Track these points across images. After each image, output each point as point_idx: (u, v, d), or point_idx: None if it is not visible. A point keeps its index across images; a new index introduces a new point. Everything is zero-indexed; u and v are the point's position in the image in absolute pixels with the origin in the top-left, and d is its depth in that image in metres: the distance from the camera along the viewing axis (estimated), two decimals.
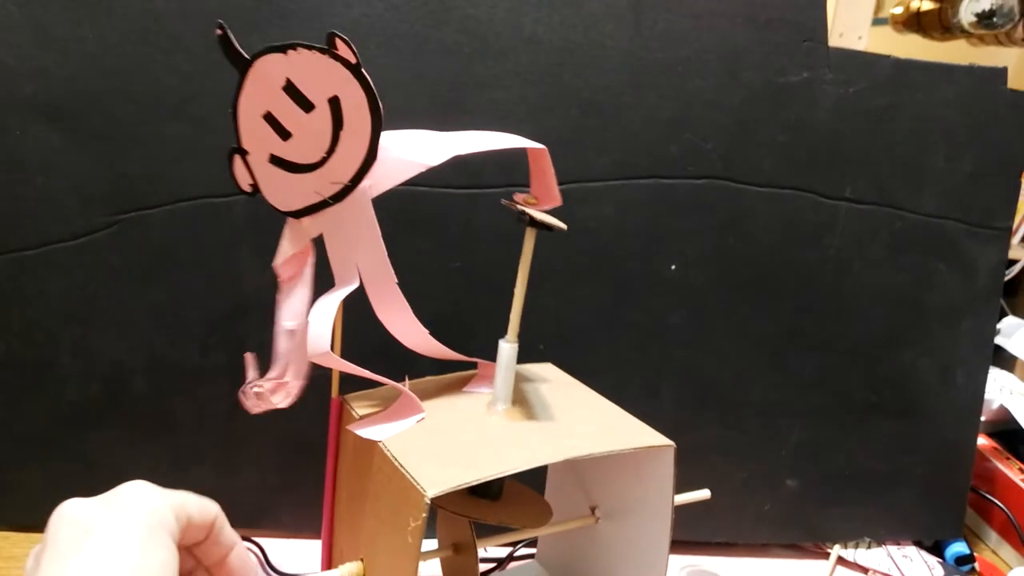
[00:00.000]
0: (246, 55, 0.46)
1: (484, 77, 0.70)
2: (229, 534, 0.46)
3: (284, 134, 0.47)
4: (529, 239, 0.52)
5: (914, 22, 1.38)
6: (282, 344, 0.51)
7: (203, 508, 0.46)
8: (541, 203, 0.54)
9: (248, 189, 0.50)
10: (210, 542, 0.45)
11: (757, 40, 0.71)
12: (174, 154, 0.68)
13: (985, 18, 1.26)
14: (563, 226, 0.51)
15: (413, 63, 0.69)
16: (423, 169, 0.48)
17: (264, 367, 0.53)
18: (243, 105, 0.48)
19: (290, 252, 0.51)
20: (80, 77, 0.66)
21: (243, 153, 0.49)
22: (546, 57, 0.70)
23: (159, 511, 0.43)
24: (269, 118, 0.47)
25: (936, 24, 1.33)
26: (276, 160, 0.48)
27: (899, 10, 1.42)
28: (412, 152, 0.48)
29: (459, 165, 0.69)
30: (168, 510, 0.44)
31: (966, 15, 1.26)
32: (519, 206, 0.52)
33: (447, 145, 0.49)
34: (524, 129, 0.54)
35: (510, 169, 0.70)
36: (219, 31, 0.46)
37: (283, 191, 0.49)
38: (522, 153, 0.70)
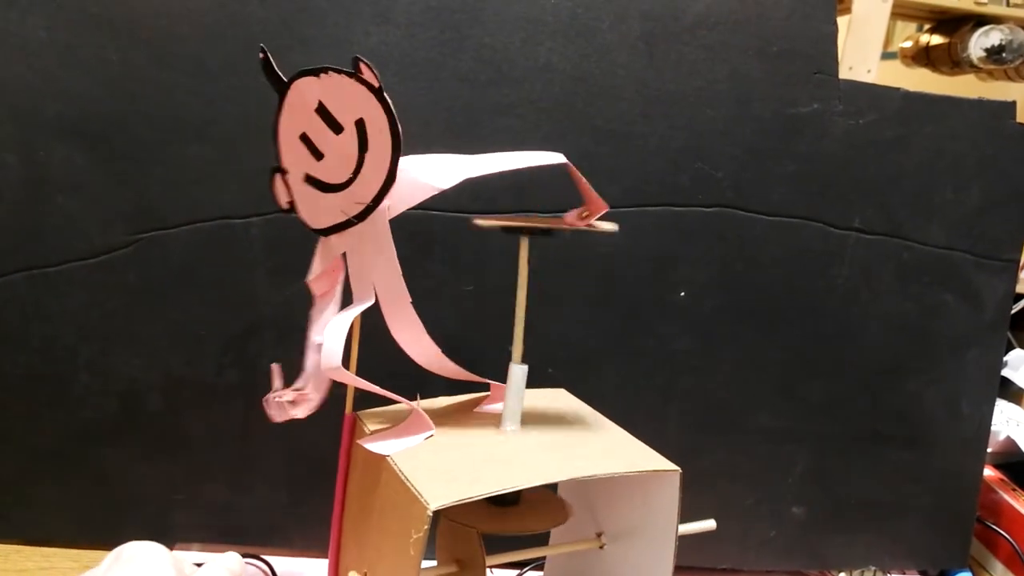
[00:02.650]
0: (284, 78, 0.47)
1: (499, 105, 0.71)
2: None
3: (317, 155, 0.48)
4: (522, 248, 0.53)
5: (923, 56, 1.39)
6: (310, 358, 0.52)
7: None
8: (593, 213, 0.54)
9: (286, 206, 0.51)
10: None
11: (768, 71, 0.73)
12: (194, 175, 0.69)
13: (994, 53, 1.26)
14: (552, 225, 0.52)
15: (429, 90, 0.70)
16: (435, 192, 0.48)
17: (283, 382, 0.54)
18: (282, 126, 0.49)
19: (320, 269, 0.52)
20: (104, 98, 0.68)
21: (283, 172, 0.50)
22: (560, 86, 0.71)
23: (161, 560, 0.46)
24: (304, 139, 0.48)
25: (945, 59, 1.34)
26: (310, 179, 0.49)
27: (908, 44, 1.43)
28: (426, 175, 0.49)
29: (473, 190, 0.70)
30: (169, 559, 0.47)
31: (975, 50, 1.27)
32: (563, 225, 0.53)
33: (459, 168, 0.50)
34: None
35: (523, 194, 0.72)
36: (261, 55, 0.47)
37: (315, 209, 0.50)
38: (535, 178, 0.71)
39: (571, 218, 0.54)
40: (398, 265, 0.49)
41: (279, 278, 0.71)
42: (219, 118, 0.69)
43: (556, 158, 0.53)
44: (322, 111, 0.47)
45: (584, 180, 0.54)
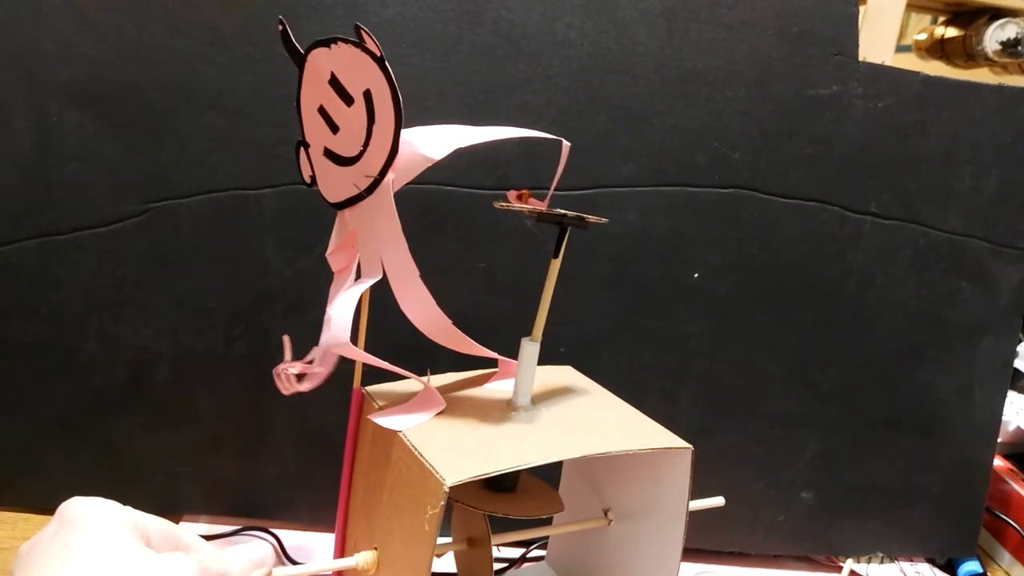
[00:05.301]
0: (301, 50, 0.47)
1: (515, 79, 0.70)
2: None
3: (334, 127, 0.48)
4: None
5: (937, 49, 1.39)
6: (325, 332, 0.52)
7: (162, 528, 0.44)
8: (529, 195, 0.54)
9: (308, 180, 0.51)
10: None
11: (788, 52, 0.72)
12: (207, 145, 0.69)
13: (1010, 46, 1.26)
14: (593, 219, 0.51)
15: (445, 63, 0.69)
16: (429, 163, 0.48)
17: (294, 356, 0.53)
18: (303, 98, 0.49)
19: (337, 243, 0.52)
20: (117, 65, 0.67)
21: (307, 146, 0.50)
22: (577, 62, 0.71)
23: (113, 521, 0.41)
24: (322, 111, 0.48)
25: (960, 51, 1.34)
26: (328, 153, 0.49)
27: (923, 37, 1.42)
28: (420, 146, 0.48)
29: (487, 166, 0.71)
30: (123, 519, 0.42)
31: (991, 43, 1.26)
32: (520, 206, 0.53)
33: (451, 139, 0.49)
34: (553, 132, 0.54)
35: (537, 170, 0.71)
36: (280, 26, 0.47)
37: (331, 183, 0.50)
38: (549, 154, 0.71)
39: (511, 196, 0.54)
40: (403, 238, 0.48)
41: (290, 250, 0.71)
42: (233, 87, 0.68)
43: (552, 137, 0.53)
44: (334, 83, 0.47)
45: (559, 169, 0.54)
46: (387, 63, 0.44)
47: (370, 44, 0.44)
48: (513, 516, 0.54)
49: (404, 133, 0.46)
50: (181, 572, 0.41)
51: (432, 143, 0.48)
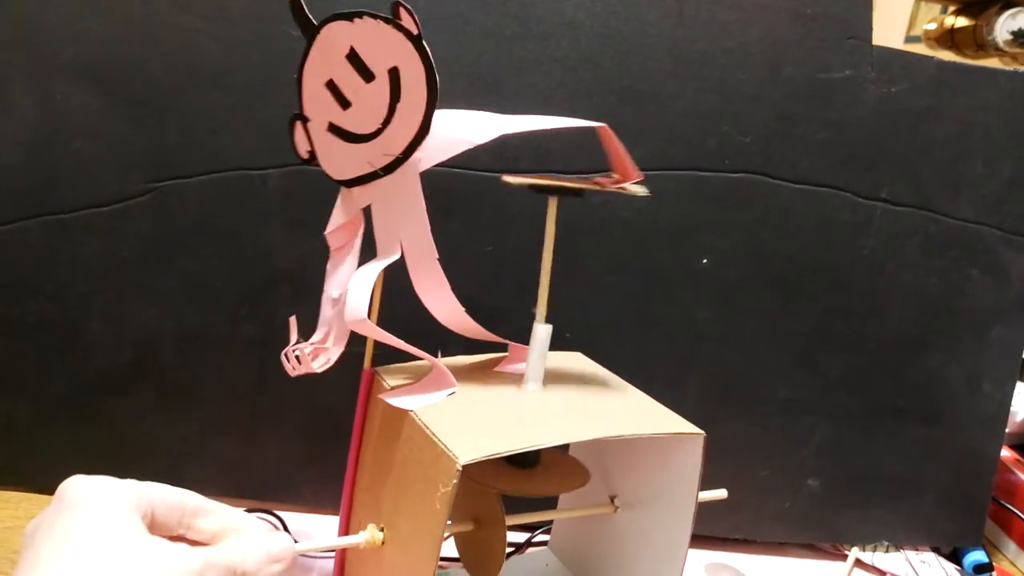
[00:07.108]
0: (314, 21, 0.46)
1: (524, 61, 0.70)
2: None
3: (344, 103, 0.47)
4: (551, 209, 0.53)
5: (947, 39, 1.37)
6: (327, 311, 0.51)
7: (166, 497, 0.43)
8: (623, 179, 0.54)
9: (305, 156, 0.50)
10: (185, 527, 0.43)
11: (801, 35, 0.71)
12: (212, 124, 0.68)
13: (1020, 36, 1.25)
14: (584, 187, 0.51)
15: (453, 44, 0.69)
16: (469, 146, 0.47)
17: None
18: (308, 72, 0.48)
19: (341, 221, 0.51)
20: (123, 42, 0.67)
21: (304, 120, 0.49)
22: (587, 43, 0.70)
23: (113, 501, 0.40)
24: (331, 86, 0.47)
25: (970, 41, 1.32)
26: (334, 128, 0.48)
27: (932, 26, 1.41)
28: (459, 129, 0.48)
29: (495, 149, 0.70)
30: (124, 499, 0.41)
31: (1001, 33, 1.25)
32: (594, 186, 0.52)
33: (494, 124, 0.49)
34: (561, 115, 0.53)
35: (545, 154, 0.70)
36: None
37: (338, 160, 0.49)
38: (557, 140, 0.70)
39: (603, 181, 0.53)
40: (427, 220, 0.48)
41: (296, 231, 0.70)
42: (240, 66, 0.67)
43: (595, 124, 0.53)
44: (353, 58, 0.46)
45: (620, 148, 0.53)
46: (424, 42, 0.43)
47: (407, 21, 0.44)
48: (529, 495, 0.54)
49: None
50: (183, 565, 0.39)
51: (474, 127, 0.48)
